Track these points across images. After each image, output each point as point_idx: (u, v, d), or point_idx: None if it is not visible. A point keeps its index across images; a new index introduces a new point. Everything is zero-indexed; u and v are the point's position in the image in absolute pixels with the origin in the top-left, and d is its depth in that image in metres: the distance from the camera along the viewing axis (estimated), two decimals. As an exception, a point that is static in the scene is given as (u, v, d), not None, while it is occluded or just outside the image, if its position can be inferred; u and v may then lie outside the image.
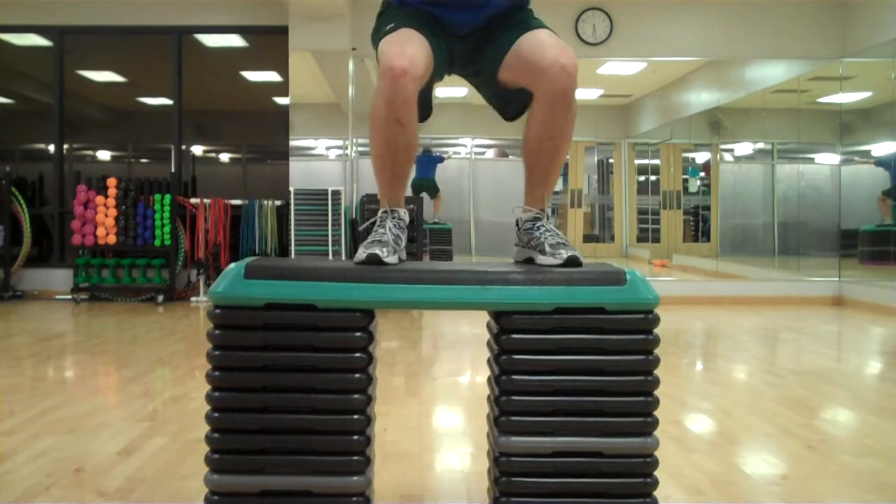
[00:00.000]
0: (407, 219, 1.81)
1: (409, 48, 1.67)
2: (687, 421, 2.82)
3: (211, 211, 7.11)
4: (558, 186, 8.59)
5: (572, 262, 1.64)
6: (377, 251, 1.63)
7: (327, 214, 6.92)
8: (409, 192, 7.38)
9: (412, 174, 1.90)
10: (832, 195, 7.40)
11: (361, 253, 1.65)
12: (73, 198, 7.12)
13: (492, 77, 1.86)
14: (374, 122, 1.71)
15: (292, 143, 7.23)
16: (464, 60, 1.90)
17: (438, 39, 1.80)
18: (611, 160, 9.00)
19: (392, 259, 1.66)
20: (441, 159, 7.93)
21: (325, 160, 7.70)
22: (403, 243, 1.76)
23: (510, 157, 8.30)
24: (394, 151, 1.74)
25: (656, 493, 1.53)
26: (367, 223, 1.83)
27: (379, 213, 1.79)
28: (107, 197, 7.07)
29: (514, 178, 8.09)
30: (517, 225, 1.84)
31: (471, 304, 1.54)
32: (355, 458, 1.51)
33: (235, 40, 7.75)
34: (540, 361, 1.51)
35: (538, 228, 1.76)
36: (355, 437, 1.51)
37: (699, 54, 7.47)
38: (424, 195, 7.59)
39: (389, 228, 1.74)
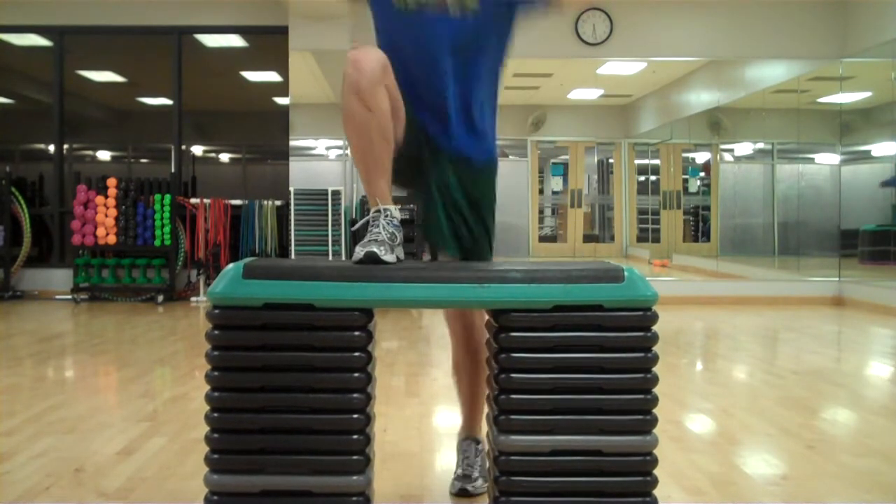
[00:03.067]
0: (399, 216, 1.76)
1: (374, 48, 1.73)
2: (687, 421, 2.82)
3: (211, 211, 7.11)
4: (558, 186, 8.57)
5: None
6: (375, 249, 1.63)
7: (327, 214, 6.92)
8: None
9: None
10: (832, 195, 7.40)
11: (359, 252, 1.64)
12: (73, 198, 7.12)
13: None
14: (345, 114, 1.73)
15: (292, 143, 7.23)
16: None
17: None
18: (611, 160, 8.98)
19: (390, 257, 1.65)
20: None
21: (325, 160, 7.69)
22: (399, 241, 1.73)
23: (510, 157, 8.28)
24: (368, 139, 1.72)
25: (656, 492, 1.53)
26: (360, 223, 1.80)
27: (371, 213, 1.75)
28: (107, 197, 7.07)
29: (513, 178, 8.10)
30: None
31: (469, 302, 1.54)
32: (355, 457, 1.51)
33: (235, 40, 7.75)
34: (539, 359, 1.52)
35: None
36: (355, 437, 1.51)
37: (699, 54, 7.47)
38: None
39: (383, 227, 1.71)
